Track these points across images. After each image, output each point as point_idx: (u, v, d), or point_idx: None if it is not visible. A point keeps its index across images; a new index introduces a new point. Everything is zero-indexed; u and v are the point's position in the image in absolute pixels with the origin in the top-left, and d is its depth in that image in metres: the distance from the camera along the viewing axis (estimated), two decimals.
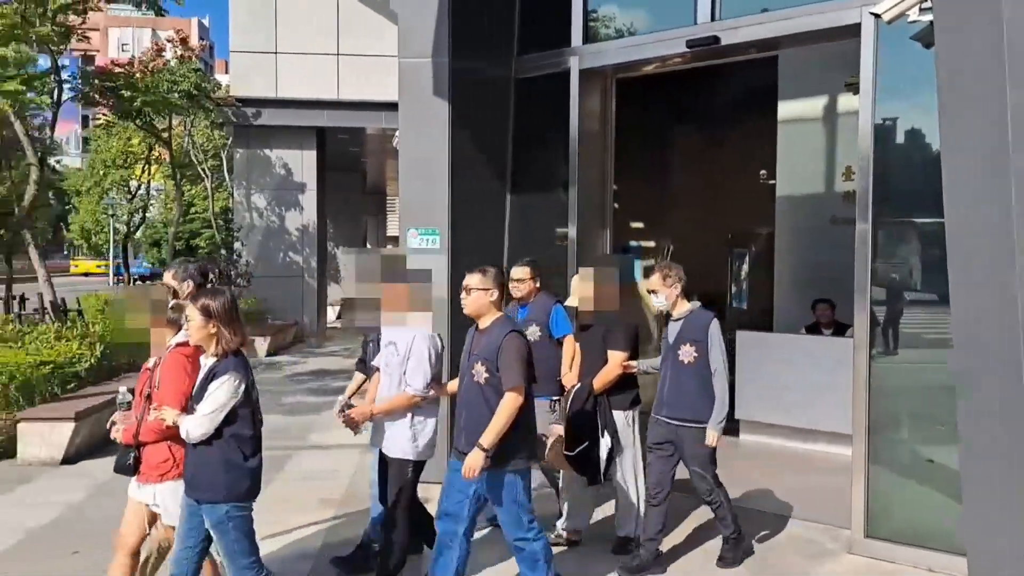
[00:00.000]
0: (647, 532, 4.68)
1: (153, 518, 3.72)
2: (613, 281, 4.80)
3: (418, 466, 4.29)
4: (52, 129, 14.54)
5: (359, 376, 4.98)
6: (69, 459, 6.91)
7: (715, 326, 4.60)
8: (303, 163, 17.49)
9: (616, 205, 7.24)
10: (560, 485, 5.27)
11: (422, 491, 5.07)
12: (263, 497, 5.89)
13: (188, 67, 17.63)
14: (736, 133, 12.61)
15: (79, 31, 13.59)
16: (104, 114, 22.11)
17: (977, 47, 2.88)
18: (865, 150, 4.96)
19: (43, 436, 6.95)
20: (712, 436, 4.51)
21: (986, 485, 2.94)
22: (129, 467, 3.61)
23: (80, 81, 14.78)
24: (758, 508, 5.81)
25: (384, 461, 4.39)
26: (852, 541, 5.02)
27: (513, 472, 3.82)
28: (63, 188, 35.05)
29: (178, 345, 3.61)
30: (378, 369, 4.42)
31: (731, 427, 7.79)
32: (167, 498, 3.57)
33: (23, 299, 15.80)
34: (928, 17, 4.44)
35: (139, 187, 27.15)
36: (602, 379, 4.78)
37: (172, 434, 3.48)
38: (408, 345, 4.21)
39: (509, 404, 3.72)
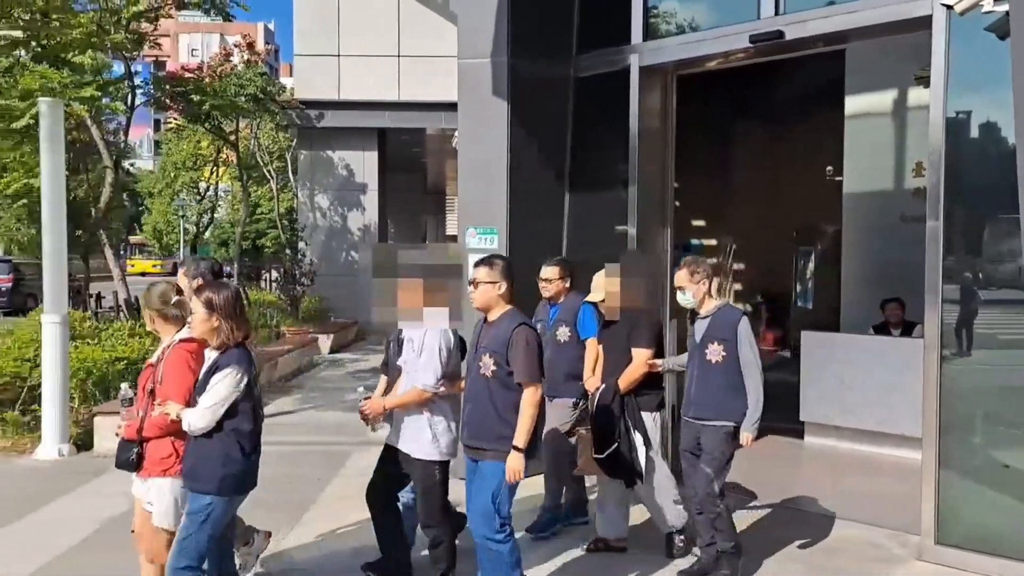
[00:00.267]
0: (702, 539, 4.56)
1: None
2: (638, 277, 4.70)
3: (444, 466, 4.21)
4: (126, 133, 15.04)
5: (384, 379, 4.80)
6: None
7: (744, 324, 4.42)
8: (365, 164, 17.76)
9: (677, 203, 7.17)
10: (598, 492, 5.12)
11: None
12: (323, 495, 6.05)
13: (254, 71, 18.06)
14: (801, 128, 12.36)
15: (151, 38, 14.06)
16: (175, 118, 22.85)
17: None
18: (936, 145, 4.80)
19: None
20: (746, 438, 4.37)
21: None
22: (132, 463, 3.61)
23: (152, 86, 15.26)
24: (822, 511, 5.69)
25: (390, 459, 4.31)
26: (922, 547, 4.88)
27: (504, 464, 3.70)
28: (136, 190, 36.32)
29: (181, 341, 3.63)
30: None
31: (795, 429, 7.69)
32: (165, 494, 3.57)
33: (99, 297, 16.42)
34: (1003, 7, 4.28)
35: (208, 188, 27.97)
36: (627, 378, 4.67)
37: (175, 429, 3.50)
38: (421, 341, 4.16)
39: (531, 398, 3.69)
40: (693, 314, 4.64)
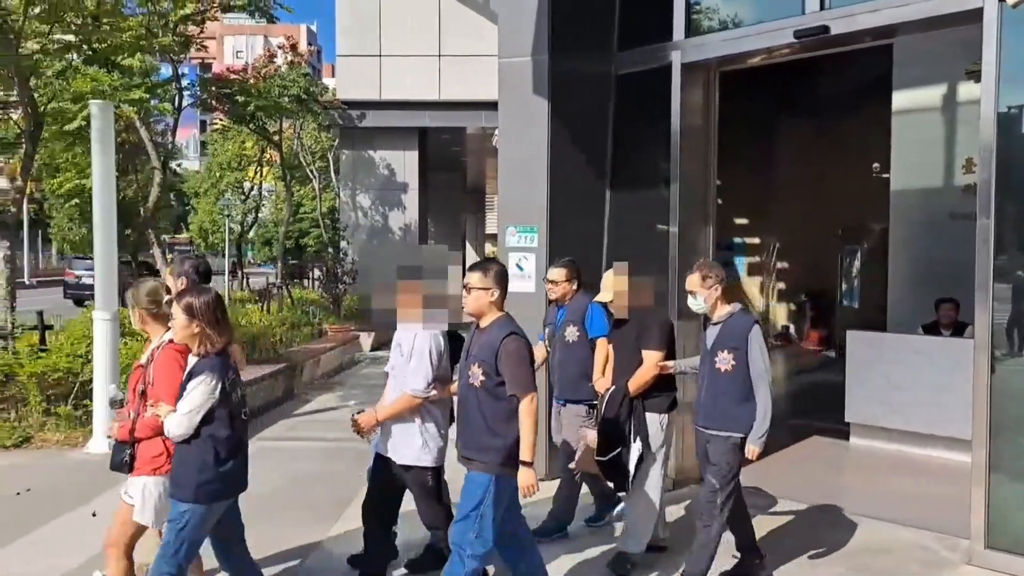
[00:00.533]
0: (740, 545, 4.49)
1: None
2: (648, 276, 4.60)
3: (436, 471, 4.15)
4: (173, 134, 15.39)
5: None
6: None
7: (756, 332, 4.25)
8: (405, 163, 17.88)
9: (719, 201, 7.10)
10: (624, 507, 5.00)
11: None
12: (364, 491, 6.07)
13: (297, 72, 18.31)
14: (847, 125, 12.16)
15: (197, 40, 14.33)
16: (220, 119, 23.24)
17: None
18: (987, 140, 4.69)
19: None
20: (752, 451, 4.21)
21: None
22: (125, 464, 3.59)
23: (198, 88, 15.56)
24: (868, 513, 5.59)
25: (381, 467, 4.29)
26: (971, 552, 4.77)
27: (491, 475, 3.61)
28: (183, 190, 37.03)
29: (171, 341, 3.57)
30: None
31: (841, 430, 7.57)
32: (152, 493, 3.56)
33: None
34: None
35: (252, 188, 28.39)
36: (637, 380, 4.54)
37: None
38: (411, 344, 4.09)
39: (529, 411, 3.57)
40: (706, 320, 4.52)
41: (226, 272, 23.33)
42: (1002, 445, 4.69)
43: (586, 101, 6.61)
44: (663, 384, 4.63)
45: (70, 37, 12.12)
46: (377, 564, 4.42)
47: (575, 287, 5.11)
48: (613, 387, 4.62)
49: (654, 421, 4.58)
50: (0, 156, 18.81)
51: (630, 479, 4.50)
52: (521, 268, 6.30)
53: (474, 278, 3.74)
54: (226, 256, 24.62)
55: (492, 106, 6.91)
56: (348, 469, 6.76)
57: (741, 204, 13.78)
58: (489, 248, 31.87)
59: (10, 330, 8.69)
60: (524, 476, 3.58)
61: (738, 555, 4.61)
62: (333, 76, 22.04)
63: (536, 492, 3.61)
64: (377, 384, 10.93)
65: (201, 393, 3.33)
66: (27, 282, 31.72)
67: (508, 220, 6.47)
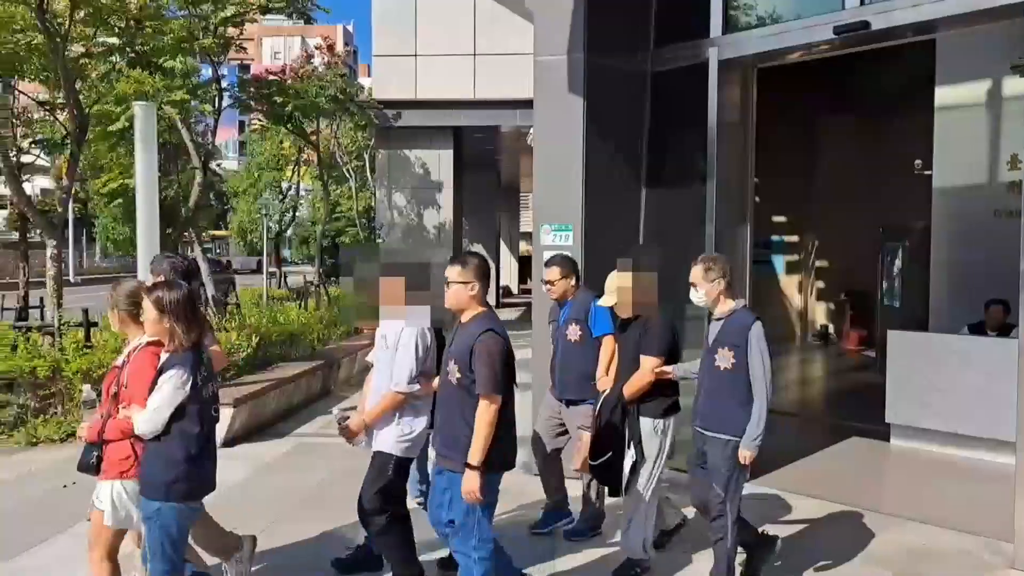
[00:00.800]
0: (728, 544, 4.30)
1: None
2: (652, 275, 4.42)
3: (400, 464, 4.05)
4: (213, 135, 15.60)
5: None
6: (228, 442, 7.42)
7: (756, 329, 4.06)
8: (440, 162, 17.95)
9: (757, 198, 7.03)
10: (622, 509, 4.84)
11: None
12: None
13: (334, 72, 18.47)
14: (888, 122, 11.97)
15: (237, 42, 14.53)
16: (259, 119, 23.53)
17: None
18: None
19: None
20: (744, 455, 4.02)
21: None
22: (92, 465, 3.52)
23: (238, 89, 15.78)
24: (909, 516, 5.50)
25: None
26: (1016, 556, 4.67)
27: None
28: (223, 190, 37.61)
29: (149, 343, 3.53)
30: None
31: (882, 432, 7.45)
32: (122, 497, 3.50)
33: None
34: None
35: (289, 188, 28.73)
36: (632, 386, 4.36)
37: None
38: (396, 337, 4.01)
39: (484, 414, 3.47)
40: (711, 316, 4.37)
41: (265, 270, 23.63)
42: None
43: (621, 99, 6.59)
44: (662, 389, 4.42)
45: (114, 40, 12.39)
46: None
47: (573, 283, 5.00)
48: (608, 391, 4.51)
49: (647, 425, 4.38)
50: (47, 157, 19.29)
51: (622, 486, 4.35)
52: None
53: (453, 272, 3.64)
54: (264, 254, 24.97)
55: (527, 104, 6.92)
56: None
57: (780, 202, 13.62)
58: (524, 246, 31.88)
59: (57, 327, 8.89)
60: (468, 480, 3.48)
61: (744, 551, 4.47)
62: (369, 76, 22.21)
63: (479, 500, 3.49)
64: None
65: (171, 388, 3.28)
66: (72, 280, 32.44)
67: (543, 218, 6.47)
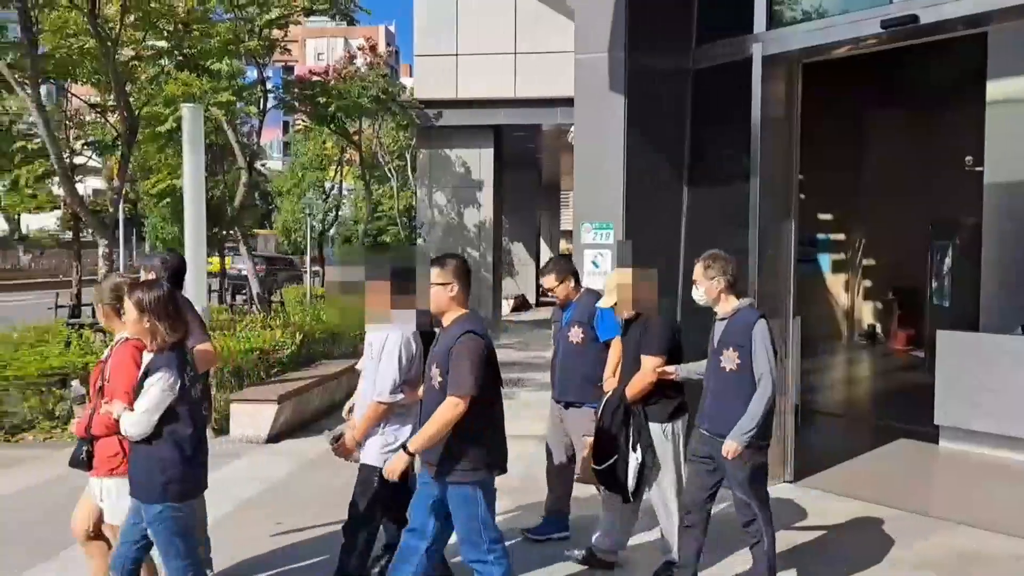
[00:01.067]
0: (680, 559, 4.19)
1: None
2: (651, 271, 4.32)
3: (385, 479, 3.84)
4: (258, 135, 15.86)
5: None
6: (273, 438, 7.54)
7: (761, 327, 3.92)
8: (480, 161, 18.02)
9: (802, 196, 6.92)
10: (601, 498, 4.71)
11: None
12: None
13: (377, 72, 18.64)
14: (938, 117, 11.70)
15: (281, 44, 14.75)
16: (302, 120, 23.84)
17: None
18: None
19: (251, 416, 7.62)
20: (729, 447, 3.85)
21: None
22: (83, 461, 3.52)
23: (282, 90, 16.02)
24: (958, 519, 5.38)
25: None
26: None
27: (472, 484, 3.46)
28: (268, 190, 38.18)
29: (129, 338, 3.51)
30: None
31: (930, 433, 7.30)
32: (112, 494, 3.51)
33: (234, 292, 17.38)
34: None
35: (332, 187, 29.06)
36: (633, 387, 4.23)
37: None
38: (381, 345, 3.91)
39: (445, 410, 3.37)
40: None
41: (308, 269, 23.94)
42: None
43: (663, 96, 6.55)
44: (666, 391, 4.29)
45: (163, 43, 12.67)
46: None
47: (573, 285, 4.88)
48: (610, 393, 4.40)
49: (656, 431, 4.27)
50: (99, 158, 19.78)
51: (629, 491, 4.23)
52: (597, 265, 6.27)
53: (432, 273, 3.56)
54: (307, 253, 25.29)
55: (568, 102, 6.91)
56: None
57: (826, 198, 13.41)
58: (564, 244, 31.82)
59: None
60: (396, 460, 3.48)
61: (673, 559, 4.34)
62: (411, 76, 22.37)
63: (395, 478, 3.48)
64: None
65: (159, 390, 3.25)
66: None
67: (583, 216, 6.45)
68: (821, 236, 14.63)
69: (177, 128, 10.40)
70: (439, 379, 3.48)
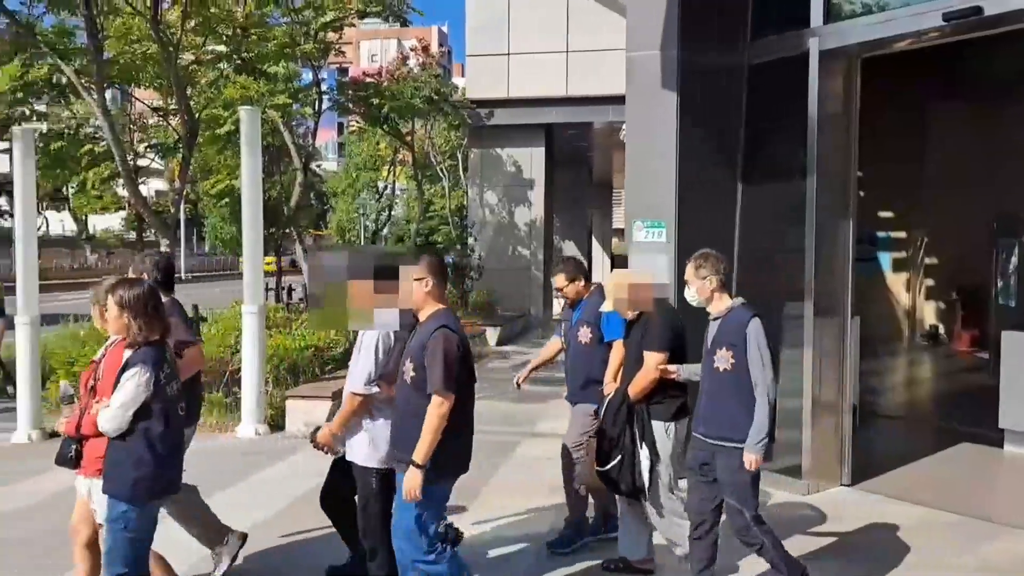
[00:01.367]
0: (692, 570, 4.09)
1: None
2: (648, 276, 4.29)
3: (384, 475, 3.84)
4: (314, 136, 16.15)
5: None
6: None
7: (754, 327, 3.84)
8: (532, 160, 18.03)
9: (862, 193, 6.77)
10: (619, 508, 4.63)
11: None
12: (493, 481, 6.20)
13: (429, 73, 18.80)
14: (1003, 112, 11.31)
15: (336, 46, 14.98)
16: (356, 121, 24.19)
17: None
18: None
19: (306, 412, 7.75)
20: (749, 460, 3.79)
21: None
22: (70, 459, 3.51)
23: (336, 92, 16.26)
24: (1023, 525, 5.21)
25: (338, 467, 4.14)
26: None
27: (425, 484, 3.42)
28: (323, 190, 38.83)
29: (123, 339, 3.50)
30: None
31: (994, 437, 7.07)
32: (99, 495, 3.45)
33: (290, 290, 17.72)
34: None
35: (385, 187, 29.41)
36: (636, 385, 4.17)
37: None
38: (360, 340, 3.93)
39: (434, 411, 3.38)
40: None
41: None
42: None
43: (717, 93, 6.47)
44: (669, 390, 4.22)
45: (222, 48, 12.97)
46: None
47: (583, 285, 4.83)
48: (612, 393, 4.35)
49: (660, 428, 4.21)
50: (161, 160, 20.35)
51: (645, 488, 4.17)
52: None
53: (408, 269, 3.59)
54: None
55: (620, 100, 6.87)
56: (477, 460, 6.90)
57: (886, 196, 13.08)
58: (616, 243, 31.64)
59: None
60: (409, 477, 3.39)
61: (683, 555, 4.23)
62: (463, 76, 22.50)
63: (415, 497, 3.40)
64: (503, 378, 11.11)
65: (132, 386, 3.26)
66: (183, 277, 34.13)
67: (635, 214, 6.41)
68: (881, 234, 14.27)
69: (236, 130, 10.64)
70: (411, 373, 3.51)
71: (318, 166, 35.28)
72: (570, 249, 25.46)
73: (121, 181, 14.64)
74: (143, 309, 3.34)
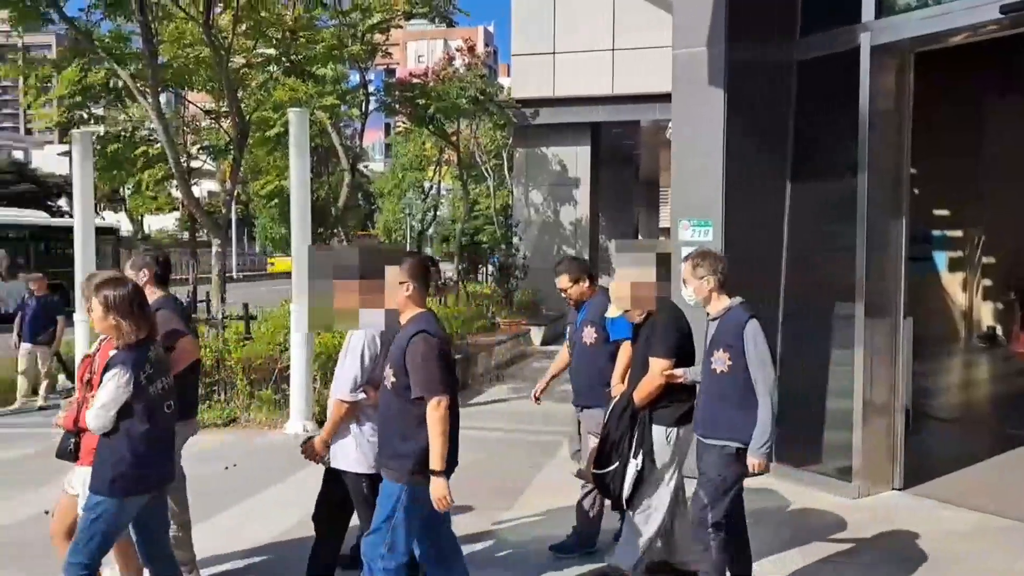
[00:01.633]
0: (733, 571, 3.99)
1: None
2: (650, 275, 4.10)
3: (372, 478, 3.79)
4: (361, 137, 16.30)
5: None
6: None
7: (751, 327, 3.77)
8: (577, 159, 17.97)
9: (916, 191, 6.60)
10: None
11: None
12: (536, 481, 6.21)
13: (474, 73, 18.85)
14: None
15: (383, 48, 15.11)
16: (403, 122, 24.37)
17: None
18: None
19: None
20: (754, 463, 3.74)
21: None
22: (70, 452, 3.57)
23: (383, 93, 16.41)
24: None
25: (330, 477, 4.12)
26: None
27: (402, 484, 3.43)
28: (370, 191, 39.21)
29: None
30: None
31: None
32: (86, 483, 3.47)
33: None
34: None
35: (431, 187, 29.56)
36: (641, 391, 4.09)
37: None
38: (347, 344, 3.91)
39: (435, 413, 3.35)
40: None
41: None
42: None
43: (765, 89, 6.38)
44: (675, 394, 4.13)
45: (271, 51, 13.18)
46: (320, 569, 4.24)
47: (587, 285, 4.74)
48: (617, 397, 4.28)
49: (659, 434, 4.13)
50: (212, 162, 20.78)
51: (624, 497, 4.12)
52: None
53: (390, 272, 3.55)
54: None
55: (666, 98, 6.83)
56: (520, 460, 6.92)
57: (941, 194, 12.77)
58: (663, 242, 31.34)
59: (220, 320, 9.55)
60: (435, 488, 3.37)
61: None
62: (509, 75, 22.53)
63: (452, 504, 3.38)
64: None
65: (113, 387, 3.30)
66: (234, 276, 34.79)
67: (681, 213, 6.36)
68: (936, 233, 13.92)
69: (285, 132, 10.80)
70: (392, 379, 3.48)
71: (365, 167, 35.69)
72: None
73: (175, 182, 14.96)
74: (128, 309, 3.36)
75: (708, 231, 6.14)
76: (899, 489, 5.92)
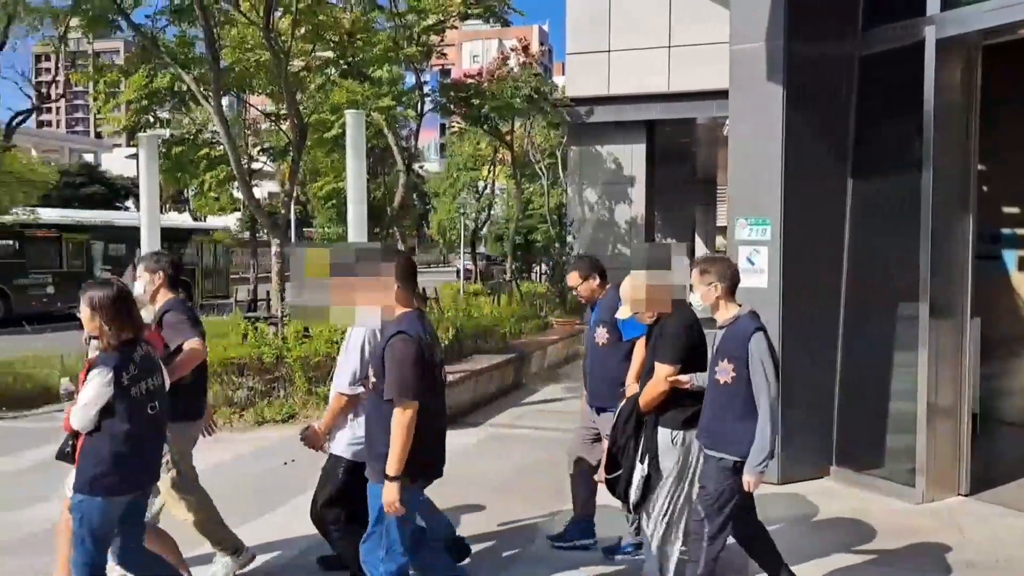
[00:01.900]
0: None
1: None
2: (664, 272, 4.00)
3: (353, 468, 3.88)
4: (416, 138, 16.46)
5: None
6: None
7: (757, 339, 3.64)
8: (632, 157, 17.82)
9: (984, 188, 6.39)
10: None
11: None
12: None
13: (529, 72, 18.87)
14: None
15: (438, 49, 15.23)
16: (458, 122, 24.53)
17: None
18: None
19: None
20: (748, 481, 3.62)
21: None
22: (68, 454, 3.58)
23: (439, 93, 16.54)
24: None
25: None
26: None
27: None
28: (425, 191, 39.55)
29: None
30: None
31: None
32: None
33: None
34: None
35: (485, 187, 29.67)
36: (645, 396, 4.00)
37: None
38: (347, 339, 3.96)
39: (398, 422, 3.32)
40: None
41: (461, 268, 24.59)
42: None
43: (825, 85, 6.25)
44: (681, 399, 4.00)
45: (329, 54, 13.40)
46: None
47: (598, 283, 4.70)
48: (624, 401, 4.22)
49: (664, 437, 4.01)
50: (272, 163, 21.22)
51: (632, 502, 4.07)
52: (752, 262, 6.08)
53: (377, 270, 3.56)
54: (460, 253, 26.00)
55: (724, 95, 6.73)
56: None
57: (1012, 191, 12.33)
58: (720, 241, 30.94)
59: (280, 318, 9.75)
60: (386, 492, 3.35)
61: None
62: (563, 74, 22.50)
63: (401, 511, 3.36)
64: None
65: (95, 386, 3.33)
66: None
67: (738, 212, 6.27)
68: (1006, 231, 13.43)
69: (342, 133, 10.97)
70: (373, 379, 3.52)
71: (420, 167, 35.97)
72: None
73: (236, 183, 15.32)
74: (114, 311, 3.41)
75: (766, 230, 6.04)
76: (965, 495, 5.75)
